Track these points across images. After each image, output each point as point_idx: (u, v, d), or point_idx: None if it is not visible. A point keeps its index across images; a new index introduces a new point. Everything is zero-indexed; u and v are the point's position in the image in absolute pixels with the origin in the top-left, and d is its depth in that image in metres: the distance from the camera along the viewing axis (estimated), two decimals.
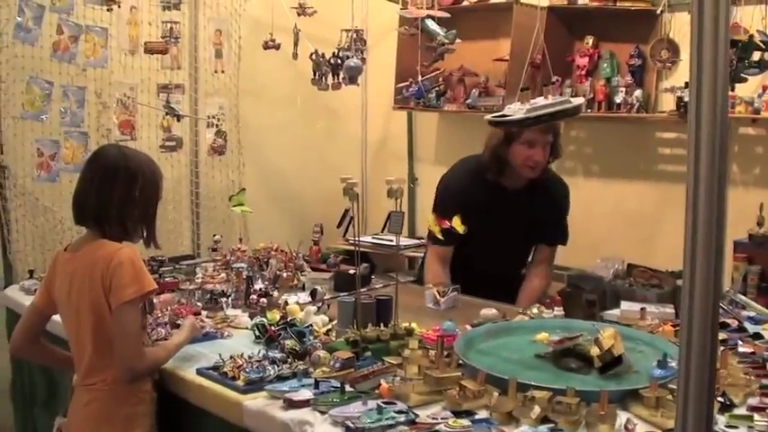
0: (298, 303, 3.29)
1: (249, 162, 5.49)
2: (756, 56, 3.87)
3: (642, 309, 3.34)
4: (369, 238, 5.43)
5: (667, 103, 4.73)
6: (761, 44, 3.68)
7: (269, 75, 5.50)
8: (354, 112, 6.24)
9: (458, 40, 4.08)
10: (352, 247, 5.34)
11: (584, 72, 4.93)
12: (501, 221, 3.88)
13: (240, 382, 2.54)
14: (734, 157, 4.72)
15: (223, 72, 5.29)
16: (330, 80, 4.11)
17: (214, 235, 4.40)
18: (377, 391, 2.40)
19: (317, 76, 4.10)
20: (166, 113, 4.81)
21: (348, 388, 2.41)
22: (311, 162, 6.03)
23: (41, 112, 4.44)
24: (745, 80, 3.86)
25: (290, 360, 2.68)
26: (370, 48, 5.90)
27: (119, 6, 4.60)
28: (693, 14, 1.34)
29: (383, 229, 5.64)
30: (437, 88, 5.37)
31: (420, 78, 3.96)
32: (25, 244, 4.51)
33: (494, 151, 3.85)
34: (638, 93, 4.74)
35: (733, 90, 4.24)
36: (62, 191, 4.44)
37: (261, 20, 4.98)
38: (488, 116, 3.27)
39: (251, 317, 3.20)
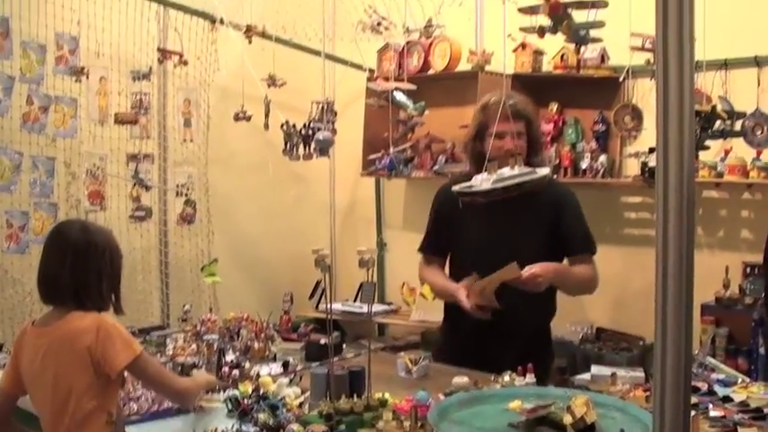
0: (270, 375, 3.28)
1: (218, 230, 5.49)
2: (718, 124, 3.96)
3: (613, 374, 3.37)
4: (339, 305, 5.44)
5: (632, 168, 4.82)
6: (723, 114, 3.77)
7: (238, 143, 5.53)
8: (323, 179, 6.28)
9: (426, 107, 4.13)
10: (323, 315, 5.36)
11: (549, 138, 5.00)
12: (502, 232, 3.64)
13: None
14: (698, 220, 4.79)
15: (192, 141, 5.32)
16: (301, 151, 4.13)
17: (184, 305, 4.37)
18: None
19: (288, 147, 4.13)
20: (135, 184, 4.82)
21: None
22: (280, 229, 6.05)
23: (11, 183, 4.43)
24: (707, 148, 3.95)
25: None
26: (338, 114, 5.97)
27: (87, 77, 4.63)
28: (658, 84, 1.38)
29: (355, 299, 5.66)
30: (406, 158, 5.43)
31: (391, 150, 3.98)
32: None
33: (471, 152, 3.72)
34: (602, 158, 4.82)
35: (697, 158, 4.33)
36: (31, 262, 4.40)
37: (229, 89, 5.04)
38: (455, 187, 3.32)
39: (223, 390, 3.19)
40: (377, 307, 5.77)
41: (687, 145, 1.38)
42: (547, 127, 5.02)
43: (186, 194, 5.27)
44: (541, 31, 3.54)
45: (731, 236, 4.73)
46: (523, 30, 3.74)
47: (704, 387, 3.22)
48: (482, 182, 3.11)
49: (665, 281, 1.38)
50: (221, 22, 4.86)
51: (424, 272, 3.95)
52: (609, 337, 4.89)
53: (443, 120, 5.38)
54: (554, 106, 5.11)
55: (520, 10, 3.46)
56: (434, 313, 5.07)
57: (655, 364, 1.38)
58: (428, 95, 5.09)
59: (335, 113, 4.30)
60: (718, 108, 3.98)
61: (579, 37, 3.39)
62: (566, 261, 3.71)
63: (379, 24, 4.60)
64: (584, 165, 4.88)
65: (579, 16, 3.42)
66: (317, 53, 4.74)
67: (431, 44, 5.39)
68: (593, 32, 3.66)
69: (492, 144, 3.45)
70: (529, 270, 3.36)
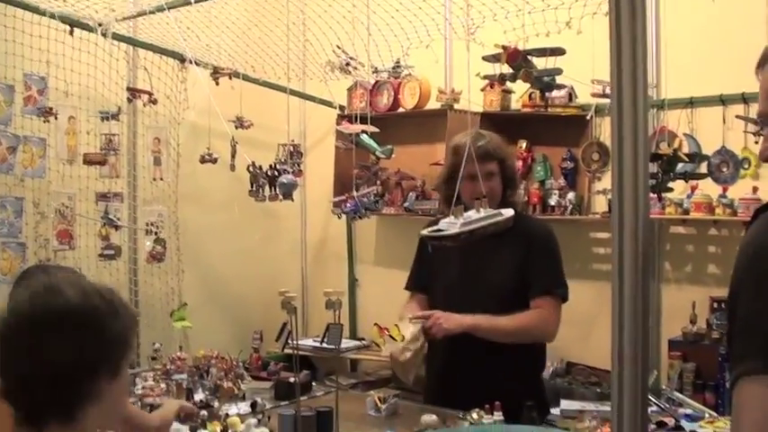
0: (238, 415, 3.27)
1: (189, 268, 5.48)
2: (681, 165, 4.01)
3: (581, 411, 3.38)
4: (310, 342, 5.42)
5: (600, 205, 4.86)
6: (683, 157, 3.82)
7: (208, 181, 5.53)
8: (294, 216, 6.29)
9: (394, 150, 4.17)
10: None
11: (518, 175, 5.04)
12: (474, 271, 3.65)
13: None
14: (666, 255, 4.84)
15: (162, 179, 5.32)
16: (267, 192, 4.14)
17: (154, 343, 4.36)
18: None
19: (254, 188, 4.13)
20: (104, 223, 4.81)
21: None
22: (251, 266, 6.05)
23: None
24: (671, 190, 3.99)
25: None
26: (309, 150, 6.01)
27: (56, 117, 4.63)
28: (613, 122, 1.41)
29: (321, 341, 5.59)
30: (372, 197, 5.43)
31: (356, 194, 3.99)
32: None
33: (444, 194, 3.72)
34: (571, 195, 4.87)
35: (661, 199, 4.38)
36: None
37: (199, 126, 5.05)
38: (423, 231, 3.33)
39: (192, 430, 3.17)
40: (349, 343, 5.76)
41: (642, 184, 1.41)
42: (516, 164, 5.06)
43: (156, 233, 5.26)
44: (502, 79, 3.58)
45: (698, 271, 4.77)
46: (487, 77, 3.78)
47: (671, 422, 3.24)
48: (449, 226, 3.13)
49: (620, 315, 1.40)
50: (190, 62, 4.87)
51: (405, 309, 3.94)
52: (579, 371, 4.91)
53: (414, 157, 5.42)
54: (523, 144, 5.16)
55: (483, 58, 3.49)
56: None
57: (612, 399, 1.40)
58: (398, 133, 5.13)
59: (301, 155, 4.32)
60: (682, 150, 4.04)
61: (542, 83, 3.43)
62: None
63: (347, 64, 4.62)
64: (552, 201, 4.93)
65: (542, 62, 3.44)
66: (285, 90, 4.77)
67: (400, 83, 5.44)
68: (560, 78, 3.71)
69: (464, 186, 3.38)
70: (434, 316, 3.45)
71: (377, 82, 5.47)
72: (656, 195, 4.38)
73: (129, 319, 1.90)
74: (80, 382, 1.77)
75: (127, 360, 1.89)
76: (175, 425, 3.09)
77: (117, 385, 1.84)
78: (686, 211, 4.49)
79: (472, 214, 3.11)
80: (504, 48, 3.30)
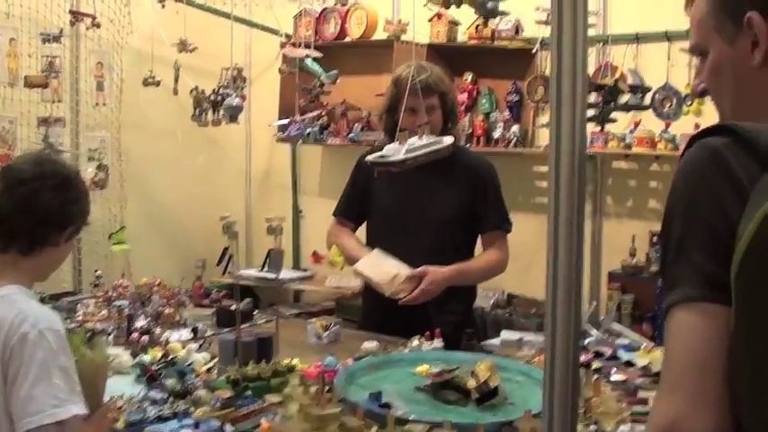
0: (179, 341, 3.28)
1: (132, 196, 5.43)
2: (625, 98, 4.03)
3: (519, 339, 3.44)
4: (253, 272, 5.43)
5: (544, 138, 4.89)
6: (625, 87, 3.85)
7: (151, 107, 5.46)
8: (238, 145, 6.24)
9: (339, 79, 4.13)
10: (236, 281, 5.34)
11: (463, 108, 5.05)
12: (418, 200, 3.62)
13: (120, 425, 2.52)
14: (608, 190, 4.90)
15: (105, 105, 5.24)
16: (210, 116, 4.10)
17: (96, 270, 4.33)
18: (258, 431, 2.41)
19: (197, 113, 4.10)
20: (45, 148, 4.74)
21: (229, 428, 2.41)
22: (195, 195, 6.01)
23: None
24: (614, 121, 4.02)
25: (171, 400, 2.67)
26: (254, 79, 5.94)
27: None
28: (553, 52, 1.43)
29: (263, 267, 5.60)
30: (317, 126, 5.40)
31: (299, 118, 3.96)
32: None
33: (385, 124, 3.70)
34: (515, 128, 4.90)
35: (602, 130, 4.42)
36: None
37: (143, 52, 4.98)
38: (369, 157, 3.33)
39: (133, 355, 3.17)
40: (291, 273, 5.78)
41: (579, 116, 1.43)
42: (461, 97, 5.06)
43: (99, 159, 5.20)
44: (447, 4, 3.56)
45: (640, 205, 4.84)
46: (431, 1, 3.76)
47: (608, 352, 3.30)
48: (394, 152, 3.14)
49: (555, 244, 1.43)
50: None
51: (335, 235, 3.92)
52: (520, 302, 4.98)
53: (360, 88, 5.39)
54: (468, 76, 5.16)
55: None
56: (350, 279, 5.11)
57: (545, 326, 1.43)
58: (344, 63, 5.10)
59: (245, 80, 4.28)
60: (626, 81, 4.06)
61: (486, 10, 3.42)
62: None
63: None
64: (496, 134, 4.95)
65: None
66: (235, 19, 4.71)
67: (347, 12, 5.39)
68: (504, 6, 3.70)
69: (404, 119, 3.41)
70: (420, 288, 3.40)
71: (324, 9, 5.42)
72: (599, 129, 4.44)
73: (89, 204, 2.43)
74: (51, 230, 2.28)
75: (78, 232, 2.44)
76: (115, 350, 3.09)
77: (66, 247, 2.37)
78: (629, 146, 4.54)
79: (415, 141, 3.12)
80: None
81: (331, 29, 5.45)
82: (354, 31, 5.39)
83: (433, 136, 3.27)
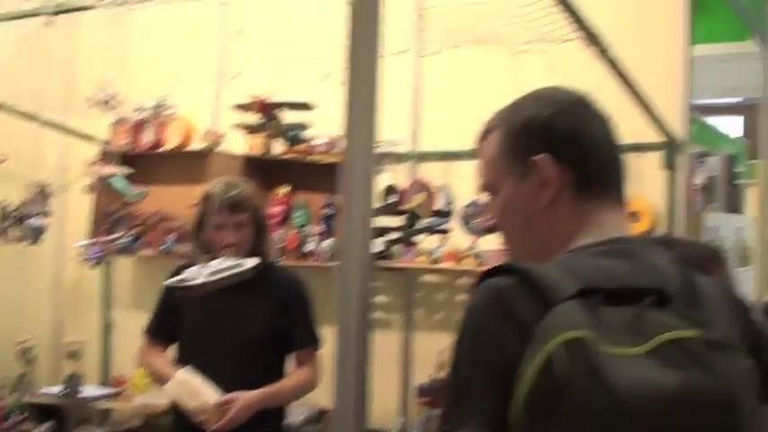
0: None
1: None
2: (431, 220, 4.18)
3: None
4: (57, 389, 5.18)
5: None
6: (427, 213, 4.03)
7: None
8: (48, 255, 6.02)
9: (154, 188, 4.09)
10: (41, 401, 5.09)
11: (278, 220, 5.06)
12: (226, 319, 3.52)
13: None
14: (418, 303, 4.98)
15: None
16: (16, 233, 3.97)
17: None
18: None
19: (1, 230, 3.96)
20: None
21: None
22: (2, 307, 5.72)
23: None
24: (414, 244, 4.14)
25: None
26: (71, 183, 5.78)
27: None
28: (345, 182, 1.46)
29: (63, 391, 5.32)
30: (131, 237, 5.29)
31: (104, 238, 3.89)
32: None
33: (195, 240, 3.59)
34: (328, 241, 4.92)
35: (413, 245, 4.56)
36: None
37: None
38: (169, 281, 3.30)
39: None
40: (99, 390, 5.57)
41: (364, 231, 1.46)
42: (276, 209, 5.08)
43: None
44: (251, 129, 3.62)
45: (449, 318, 4.93)
46: (238, 126, 3.81)
47: None
48: (196, 274, 3.14)
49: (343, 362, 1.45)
50: None
51: (146, 355, 3.79)
52: (331, 417, 4.94)
53: (175, 197, 5.32)
54: (283, 189, 5.19)
55: (237, 107, 3.52)
56: (159, 396, 4.95)
57: None
58: (161, 172, 5.06)
59: (48, 196, 4.17)
60: (433, 203, 4.23)
61: (288, 138, 3.49)
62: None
63: (107, 102, 4.53)
64: (309, 248, 4.97)
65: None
66: (48, 124, 4.63)
67: (165, 121, 5.37)
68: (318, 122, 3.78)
69: (214, 235, 3.41)
70: (229, 417, 3.31)
71: (141, 119, 5.38)
72: (408, 246, 4.55)
73: None
74: None
75: None
76: None
77: None
78: (437, 261, 4.65)
79: (217, 263, 3.12)
80: (255, 99, 3.36)
81: (148, 138, 5.39)
82: (171, 141, 5.35)
83: (236, 257, 3.29)
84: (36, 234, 3.86)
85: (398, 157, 4.87)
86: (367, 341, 1.47)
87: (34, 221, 3.83)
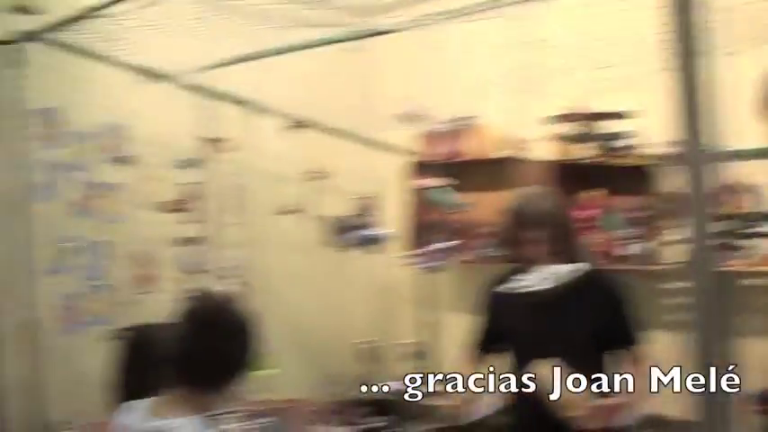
0: None
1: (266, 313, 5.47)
2: None
3: None
4: (393, 385, 5.38)
5: (671, 255, 4.81)
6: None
7: (283, 227, 5.57)
8: (368, 259, 6.28)
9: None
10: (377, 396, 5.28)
11: (587, 225, 5.01)
12: (551, 325, 3.65)
13: None
14: (737, 307, 4.76)
15: (239, 224, 5.41)
16: (353, 240, 4.21)
17: None
18: None
19: (337, 236, 4.24)
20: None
21: None
22: (326, 313, 6.06)
23: (64, 266, 4.59)
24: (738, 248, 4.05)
25: None
26: (384, 194, 6.03)
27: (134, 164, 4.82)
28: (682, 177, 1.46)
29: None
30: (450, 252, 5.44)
31: (428, 249, 3.97)
32: None
33: (506, 251, 3.85)
34: (641, 245, 4.84)
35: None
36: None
37: (270, 173, 5.19)
38: (502, 288, 3.69)
39: None
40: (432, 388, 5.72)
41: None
42: (585, 213, 5.05)
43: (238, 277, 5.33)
44: (569, 140, 3.63)
45: None
46: (554, 137, 3.80)
47: None
48: (540, 281, 3.42)
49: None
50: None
51: (466, 368, 4.00)
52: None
53: (485, 204, 5.42)
54: (593, 193, 5.13)
55: (547, 119, 3.57)
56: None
57: None
58: (468, 180, 5.20)
59: (373, 208, 4.37)
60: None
61: (607, 147, 3.48)
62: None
63: (415, 116, 4.73)
64: (623, 251, 4.91)
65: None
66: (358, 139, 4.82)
67: (469, 131, 5.53)
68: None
69: (520, 248, 3.63)
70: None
71: (448, 130, 5.55)
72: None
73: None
74: (228, 374, 2.50)
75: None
76: None
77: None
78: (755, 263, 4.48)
79: (558, 268, 3.41)
80: (569, 110, 3.39)
81: (455, 147, 5.54)
82: (478, 149, 5.48)
83: (554, 265, 3.53)
84: (372, 243, 4.10)
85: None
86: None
87: (378, 232, 4.08)
